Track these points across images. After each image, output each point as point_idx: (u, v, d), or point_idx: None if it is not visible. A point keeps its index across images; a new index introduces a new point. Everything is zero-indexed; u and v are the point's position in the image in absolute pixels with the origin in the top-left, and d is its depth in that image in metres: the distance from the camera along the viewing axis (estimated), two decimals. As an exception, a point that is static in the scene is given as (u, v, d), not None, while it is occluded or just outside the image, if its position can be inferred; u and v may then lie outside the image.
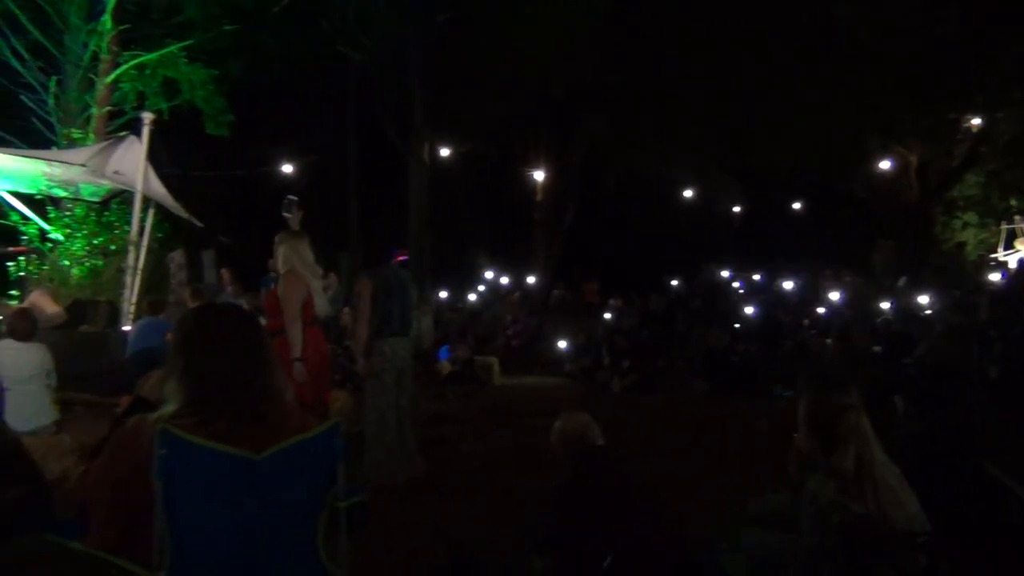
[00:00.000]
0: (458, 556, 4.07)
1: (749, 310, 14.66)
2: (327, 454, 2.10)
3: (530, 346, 14.95)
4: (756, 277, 19.54)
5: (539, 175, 21.51)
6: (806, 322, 14.00)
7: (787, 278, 17.87)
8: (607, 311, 15.67)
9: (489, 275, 22.09)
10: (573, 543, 3.20)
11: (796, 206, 22.46)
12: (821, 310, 14.62)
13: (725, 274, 19.58)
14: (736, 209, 23.68)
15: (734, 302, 16.26)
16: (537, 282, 21.59)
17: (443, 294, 18.99)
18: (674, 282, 18.77)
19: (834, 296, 14.96)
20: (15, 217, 12.68)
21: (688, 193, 22.16)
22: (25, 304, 10.11)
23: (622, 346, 12.28)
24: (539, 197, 22.04)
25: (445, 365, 12.25)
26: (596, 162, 22.10)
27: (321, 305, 5.43)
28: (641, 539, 3.14)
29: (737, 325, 13.53)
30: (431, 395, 10.18)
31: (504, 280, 21.78)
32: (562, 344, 13.99)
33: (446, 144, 19.64)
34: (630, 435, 7.11)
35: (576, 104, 20.20)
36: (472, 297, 19.76)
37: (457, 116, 20.04)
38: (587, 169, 22.18)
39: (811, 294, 16.50)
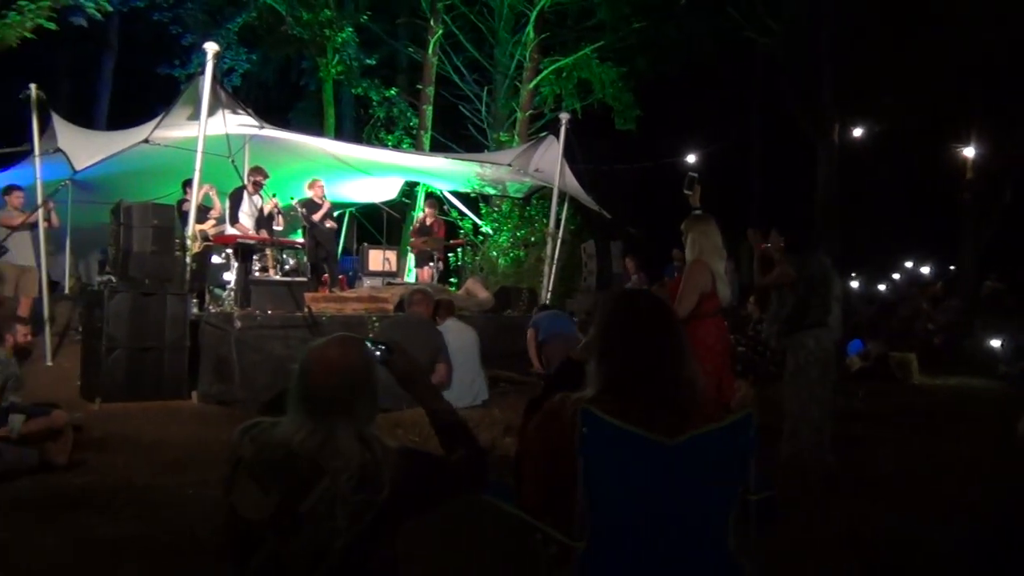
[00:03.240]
0: (871, 564, 3.82)
1: None
2: (739, 445, 2.09)
3: (955, 343, 13.43)
4: None
5: (969, 151, 19.07)
6: None
7: None
8: (1056, 305, 13.47)
9: (906, 264, 20.20)
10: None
11: None
12: None
13: None
14: None
15: None
16: (964, 271, 19.23)
17: (854, 284, 17.77)
18: None
19: None
20: (454, 214, 14.48)
21: None
22: (461, 291, 11.51)
23: (1077, 347, 10.48)
24: (968, 176, 19.54)
25: (855, 360, 11.50)
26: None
27: (724, 292, 5.35)
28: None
29: None
30: (840, 391, 9.59)
31: (924, 269, 19.76)
32: (995, 342, 12.33)
33: (858, 124, 18.29)
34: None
35: (1019, 65, 17.49)
36: (886, 287, 18.23)
37: (871, 92, 18.55)
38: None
39: None
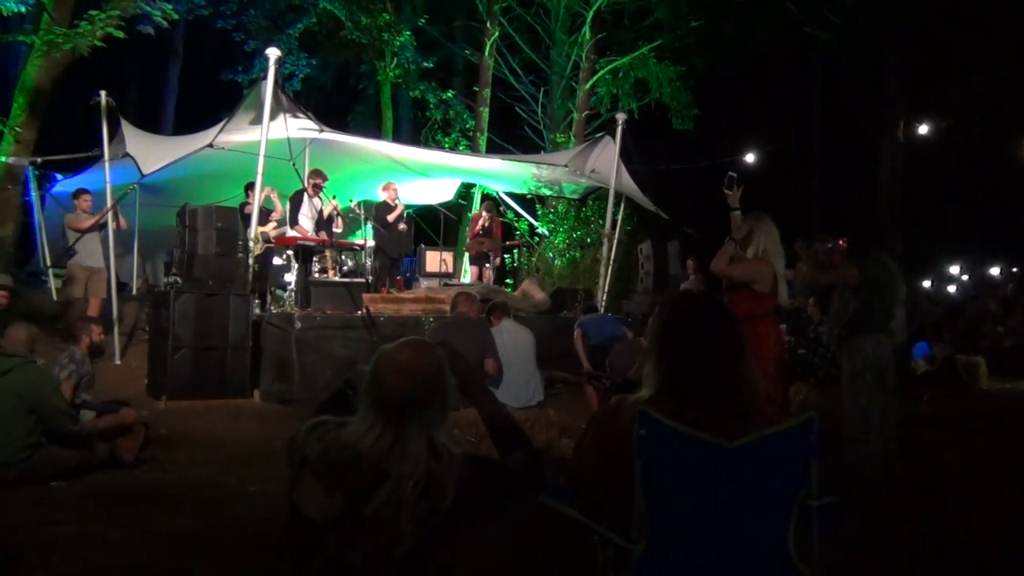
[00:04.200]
0: (936, 572, 3.72)
1: None
2: (800, 449, 2.05)
3: (1026, 346, 12.97)
4: None
5: (1039, 149, 18.42)
6: None
7: None
8: None
9: (974, 264, 19.59)
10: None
11: None
12: None
13: None
14: None
15: None
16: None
17: (926, 283, 17.27)
18: None
19: None
20: (510, 215, 14.50)
21: None
22: (517, 292, 11.52)
23: None
24: (1040, 174, 18.90)
25: (920, 364, 11.19)
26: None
27: (783, 291, 5.26)
28: None
29: None
30: (904, 394, 9.34)
31: (994, 270, 19.15)
32: (1071, 346, 11.89)
33: (923, 120, 17.79)
34: None
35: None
36: (953, 289, 17.71)
37: (938, 87, 18.02)
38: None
39: None
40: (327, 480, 1.90)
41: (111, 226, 9.70)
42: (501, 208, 14.44)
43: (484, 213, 12.81)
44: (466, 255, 14.06)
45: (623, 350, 7.39)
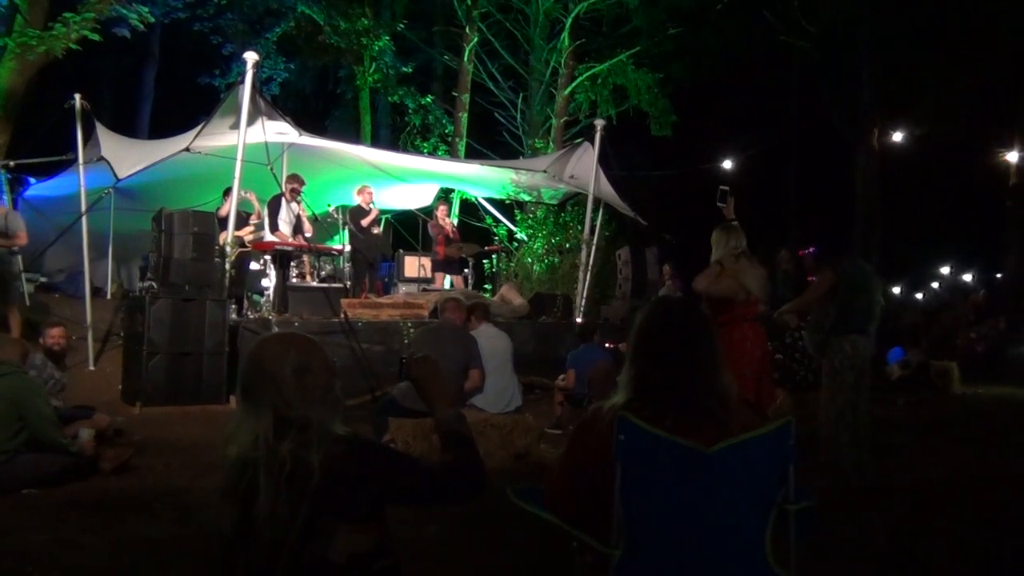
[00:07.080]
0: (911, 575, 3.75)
1: None
2: (778, 453, 2.07)
3: (998, 352, 13.16)
4: None
5: (1012, 156, 18.68)
6: None
7: None
8: (1105, 314, 13.15)
9: (948, 271, 19.84)
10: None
11: None
12: None
13: None
14: None
15: None
16: (1008, 278, 18.84)
17: (895, 290, 17.49)
18: None
19: None
20: (489, 220, 14.51)
21: None
22: (495, 297, 11.51)
23: None
24: (1012, 181, 19.16)
25: (894, 369, 11.32)
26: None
27: (752, 288, 5.36)
28: None
29: None
30: (878, 399, 9.43)
31: (967, 277, 19.38)
32: (1042, 351, 12.08)
33: (898, 128, 18.01)
34: None
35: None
36: (924, 295, 17.93)
37: (912, 95, 18.27)
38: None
39: None
40: (227, 492, 1.90)
41: (86, 233, 9.52)
42: (480, 213, 14.45)
43: (445, 217, 12.69)
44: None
45: (603, 368, 7.35)
